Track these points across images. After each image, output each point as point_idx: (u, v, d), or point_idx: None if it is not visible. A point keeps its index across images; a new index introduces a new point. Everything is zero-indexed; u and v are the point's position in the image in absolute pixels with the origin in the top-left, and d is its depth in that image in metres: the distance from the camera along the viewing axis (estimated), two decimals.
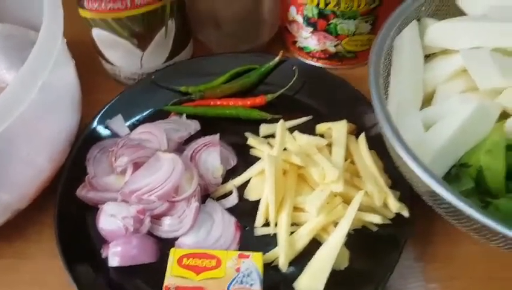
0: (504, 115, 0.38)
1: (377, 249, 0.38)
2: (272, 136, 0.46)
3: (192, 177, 0.40)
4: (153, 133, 0.44)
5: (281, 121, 0.42)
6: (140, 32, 0.47)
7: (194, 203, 0.39)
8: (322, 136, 0.45)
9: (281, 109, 0.48)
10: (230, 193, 0.42)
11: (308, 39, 0.51)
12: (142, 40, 0.48)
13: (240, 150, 0.46)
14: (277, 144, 0.40)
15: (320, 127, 0.46)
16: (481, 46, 0.41)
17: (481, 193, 0.36)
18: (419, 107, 0.41)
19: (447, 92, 0.41)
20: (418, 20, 0.44)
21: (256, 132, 0.47)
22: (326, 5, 0.46)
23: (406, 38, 0.42)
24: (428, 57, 0.44)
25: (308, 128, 0.46)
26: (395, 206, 0.38)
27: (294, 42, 0.54)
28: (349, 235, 0.38)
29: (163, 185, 0.39)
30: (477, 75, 0.39)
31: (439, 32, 0.42)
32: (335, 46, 0.51)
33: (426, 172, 0.32)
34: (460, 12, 0.44)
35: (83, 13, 0.46)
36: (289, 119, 0.47)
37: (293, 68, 0.49)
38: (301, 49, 0.53)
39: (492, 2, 0.43)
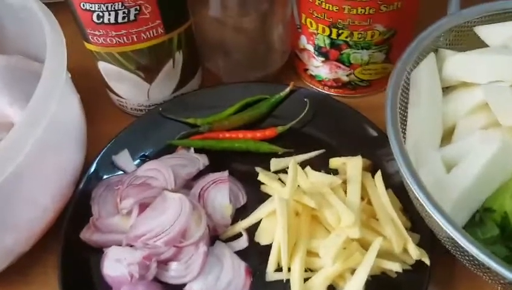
0: None
1: None
2: (283, 171, 0.44)
3: (200, 218, 0.39)
4: (160, 171, 0.42)
5: (293, 159, 0.40)
6: (146, 65, 0.45)
7: (202, 248, 0.38)
8: (335, 171, 0.43)
9: (292, 141, 0.47)
10: (239, 234, 0.40)
11: (320, 68, 0.50)
12: (148, 72, 0.46)
13: (250, 185, 0.44)
14: (289, 185, 0.38)
15: (334, 162, 0.44)
16: (502, 80, 0.39)
17: (507, 239, 0.33)
18: (439, 143, 0.39)
19: (468, 128, 0.39)
20: (436, 51, 0.42)
21: (266, 166, 0.45)
22: (339, 35, 0.45)
23: (424, 71, 0.40)
24: (447, 89, 0.42)
25: (320, 163, 0.44)
26: (415, 253, 0.35)
27: (306, 70, 0.52)
28: (366, 282, 0.36)
29: (170, 230, 0.37)
30: (499, 111, 0.37)
31: (458, 64, 0.40)
32: (347, 75, 0.49)
33: (447, 220, 0.30)
34: (478, 42, 0.42)
35: (88, 46, 0.45)
36: (300, 152, 0.46)
37: (305, 99, 0.48)
38: (312, 77, 0.52)
39: (510, 32, 0.41)
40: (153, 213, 0.39)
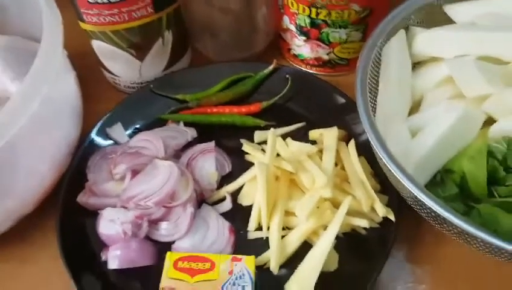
0: (489, 122, 0.39)
1: (365, 251, 0.40)
2: (266, 142, 0.47)
3: (188, 183, 0.42)
4: (151, 141, 0.45)
5: (272, 129, 0.44)
6: (138, 43, 0.48)
7: (189, 209, 0.41)
8: (314, 142, 0.47)
9: (275, 116, 0.50)
10: (224, 198, 0.44)
11: (302, 47, 0.53)
12: (140, 50, 0.50)
13: (235, 155, 0.47)
14: (268, 152, 0.42)
15: (313, 134, 0.47)
16: (467, 54, 0.42)
17: (465, 197, 0.37)
18: (407, 114, 0.42)
19: (434, 99, 0.42)
20: (407, 28, 0.45)
21: (251, 139, 0.48)
22: (318, 14, 0.48)
23: (394, 46, 0.43)
24: (416, 64, 0.45)
25: (301, 135, 0.48)
26: (381, 210, 0.39)
27: (289, 50, 0.55)
28: (338, 238, 0.40)
29: (159, 192, 0.40)
30: (462, 83, 0.40)
31: (427, 41, 0.44)
32: (327, 54, 0.52)
33: (409, 179, 0.34)
34: (448, 20, 0.45)
35: (83, 26, 0.48)
36: (283, 126, 0.49)
37: (286, 76, 0.51)
38: (295, 56, 0.55)
39: (479, 10, 0.44)
40: (144, 178, 0.42)
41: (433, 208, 0.33)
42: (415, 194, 0.33)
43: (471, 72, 0.39)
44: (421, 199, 0.33)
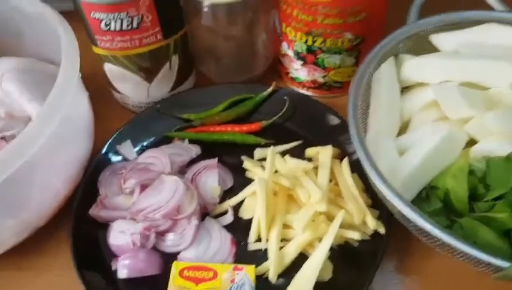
0: (471, 142, 0.43)
1: (357, 262, 0.43)
2: (265, 159, 0.50)
3: (193, 197, 0.45)
4: (158, 158, 0.49)
5: (271, 147, 0.47)
6: (147, 66, 0.52)
7: (194, 221, 0.44)
8: (310, 159, 0.50)
9: (274, 134, 0.53)
10: (226, 211, 0.47)
11: (299, 71, 0.57)
12: (148, 73, 0.53)
13: (237, 171, 0.50)
14: (267, 168, 0.45)
15: (309, 151, 0.51)
16: (451, 80, 0.46)
17: (448, 212, 0.40)
18: (396, 134, 0.46)
19: (421, 121, 0.46)
20: (396, 56, 0.49)
21: (252, 156, 0.51)
22: (314, 42, 0.52)
23: (384, 72, 0.47)
24: (405, 89, 0.49)
25: (299, 152, 0.51)
26: (372, 224, 0.42)
27: (287, 73, 0.59)
28: (333, 249, 0.43)
29: (166, 205, 0.44)
30: (446, 106, 0.44)
31: (414, 67, 0.47)
32: (323, 77, 0.56)
33: (394, 194, 0.37)
34: (434, 49, 0.49)
35: (96, 50, 0.51)
36: (281, 144, 0.52)
37: (285, 98, 0.54)
38: (293, 79, 0.59)
39: (462, 39, 0.48)
40: (152, 192, 0.45)
41: (415, 221, 0.36)
42: (399, 208, 0.37)
43: (454, 97, 0.43)
44: (405, 213, 0.36)
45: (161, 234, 0.45)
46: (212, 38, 0.54)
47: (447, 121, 0.44)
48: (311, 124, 0.53)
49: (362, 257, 0.43)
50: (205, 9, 0.50)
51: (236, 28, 0.52)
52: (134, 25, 0.48)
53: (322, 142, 0.50)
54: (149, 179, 0.46)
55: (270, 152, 0.46)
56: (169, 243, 0.44)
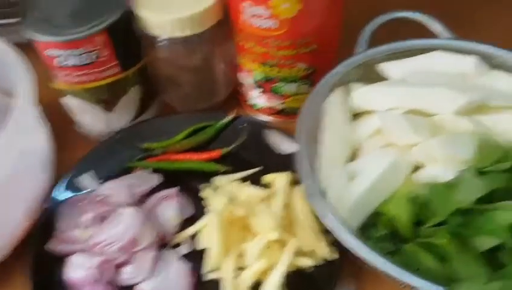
0: (418, 168, 0.44)
1: (312, 288, 0.44)
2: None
3: (150, 228, 0.46)
4: (116, 189, 0.49)
5: (226, 176, 0.48)
6: (106, 99, 0.53)
7: (151, 253, 0.45)
8: (268, 185, 0.51)
9: (235, 161, 0.54)
10: (184, 241, 0.48)
11: (258, 98, 0.58)
12: (108, 104, 0.54)
13: (198, 199, 0.51)
14: (221, 199, 0.46)
15: (267, 178, 0.52)
16: (398, 107, 0.47)
17: (394, 238, 0.41)
18: (345, 161, 0.47)
19: (370, 147, 0.47)
20: (347, 84, 0.51)
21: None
22: (270, 72, 0.53)
23: (333, 101, 0.48)
24: (355, 116, 0.51)
25: (258, 179, 0.52)
26: (324, 251, 0.43)
27: (246, 100, 0.60)
28: (289, 276, 0.44)
29: (122, 238, 0.44)
30: (392, 133, 0.45)
31: (362, 95, 0.49)
32: (281, 104, 0.57)
33: (333, 224, 0.38)
34: (383, 77, 0.51)
35: (55, 84, 0.52)
36: (240, 170, 0.53)
37: (244, 125, 0.56)
38: (252, 106, 0.60)
39: (409, 67, 0.50)
40: (109, 225, 0.46)
41: (353, 250, 0.37)
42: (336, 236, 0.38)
43: (399, 124, 0.44)
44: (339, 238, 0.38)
45: (118, 267, 0.45)
46: (171, 69, 0.55)
47: (395, 147, 0.46)
48: (270, 151, 0.55)
49: (317, 283, 0.44)
50: (161, 44, 0.52)
51: (192, 59, 0.54)
52: (91, 60, 0.49)
53: (281, 169, 0.51)
54: (106, 211, 0.47)
55: (225, 182, 0.47)
56: (127, 275, 0.45)
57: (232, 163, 0.54)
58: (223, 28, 0.53)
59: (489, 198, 0.38)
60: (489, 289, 0.32)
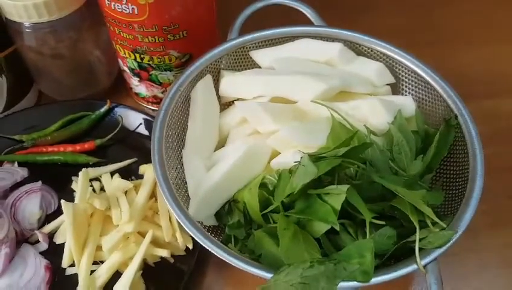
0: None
1: (171, 278, 0.44)
2: (97, 179, 0.50)
3: (3, 225, 0.44)
4: None
5: (84, 169, 0.47)
6: None
7: (4, 250, 0.43)
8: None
9: (112, 153, 0.53)
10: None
11: (139, 86, 0.57)
12: None
13: (66, 193, 0.50)
14: (78, 192, 0.44)
15: (142, 168, 0.51)
16: (264, 95, 0.48)
17: (247, 224, 0.42)
18: (212, 150, 0.47)
19: (237, 136, 0.47)
20: (218, 72, 0.50)
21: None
22: (142, 59, 0.52)
23: (200, 90, 0.48)
24: (226, 104, 0.50)
25: (136, 169, 0.51)
26: (180, 240, 0.43)
27: (131, 88, 0.59)
28: (149, 267, 0.44)
29: None
30: (253, 121, 0.46)
31: (231, 83, 0.49)
32: (162, 92, 0.56)
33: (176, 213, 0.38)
34: (256, 64, 0.51)
35: None
36: (117, 161, 0.52)
37: (118, 115, 0.54)
38: (137, 94, 0.59)
39: (277, 55, 0.50)
40: None
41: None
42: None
43: (258, 113, 0.45)
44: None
45: None
46: (39, 57, 0.52)
47: (259, 135, 0.46)
48: (148, 141, 0.53)
49: (176, 273, 0.44)
50: (26, 30, 0.49)
51: (60, 46, 0.51)
52: None
53: None
54: None
55: (82, 174, 0.45)
56: None
57: (110, 154, 0.53)
58: (93, 12, 0.51)
59: (332, 183, 0.39)
60: (309, 273, 0.33)
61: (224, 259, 0.36)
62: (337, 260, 0.35)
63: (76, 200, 0.45)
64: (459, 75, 0.51)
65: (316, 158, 0.38)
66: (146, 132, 0.54)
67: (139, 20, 0.47)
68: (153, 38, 0.49)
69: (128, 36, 0.50)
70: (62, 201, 0.43)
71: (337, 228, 0.35)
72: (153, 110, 0.59)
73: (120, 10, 0.47)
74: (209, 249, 0.36)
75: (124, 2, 0.46)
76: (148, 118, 0.55)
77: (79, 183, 0.45)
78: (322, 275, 0.33)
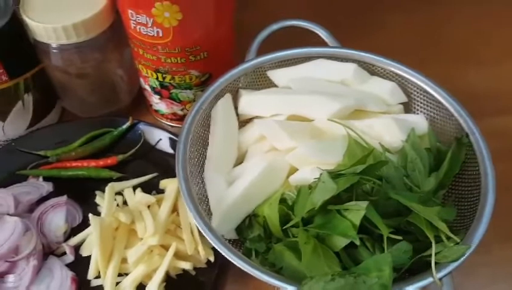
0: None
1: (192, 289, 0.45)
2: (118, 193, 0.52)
3: (32, 237, 0.46)
4: (3, 198, 0.49)
5: (110, 184, 0.49)
6: None
7: (32, 262, 0.45)
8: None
9: (133, 168, 0.55)
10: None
11: (159, 104, 0.59)
12: (0, 113, 0.53)
13: (90, 206, 0.51)
14: (105, 205, 0.46)
15: (163, 183, 0.53)
16: (281, 114, 0.50)
17: (267, 238, 0.43)
18: (232, 166, 0.49)
19: (255, 152, 0.49)
20: (237, 91, 0.53)
21: None
22: (164, 78, 0.54)
23: (220, 108, 0.50)
24: (245, 122, 0.52)
25: (156, 184, 0.53)
26: (202, 253, 0.45)
27: (151, 105, 0.61)
28: (171, 279, 0.45)
29: (2, 247, 0.44)
30: (271, 139, 0.47)
31: (249, 102, 0.51)
32: (181, 110, 0.59)
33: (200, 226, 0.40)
34: (272, 83, 0.53)
35: None
36: (138, 176, 0.54)
37: (140, 132, 0.57)
38: (156, 111, 0.61)
39: (293, 75, 0.52)
40: None
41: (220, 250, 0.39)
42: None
43: (275, 130, 0.46)
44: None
45: (1, 276, 0.45)
46: (65, 76, 0.55)
47: (276, 152, 0.48)
48: (168, 156, 0.56)
49: (197, 285, 0.45)
50: (52, 51, 0.52)
51: (85, 66, 0.54)
52: None
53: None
54: None
55: (108, 189, 0.47)
56: (10, 284, 0.45)
57: (131, 170, 0.55)
58: (118, 33, 0.53)
59: (350, 199, 0.40)
60: (331, 286, 0.34)
61: (248, 271, 0.37)
62: (357, 273, 0.36)
63: (102, 214, 0.46)
64: (469, 93, 0.52)
65: (334, 175, 0.40)
66: (165, 148, 0.56)
67: (163, 42, 0.49)
68: (175, 59, 0.51)
69: (151, 57, 0.52)
70: (90, 215, 0.45)
71: (357, 242, 0.37)
72: (171, 126, 0.61)
73: (145, 33, 0.49)
74: (233, 262, 0.38)
75: (149, 25, 0.48)
76: (168, 134, 0.57)
77: (106, 198, 0.47)
78: (343, 288, 0.35)
